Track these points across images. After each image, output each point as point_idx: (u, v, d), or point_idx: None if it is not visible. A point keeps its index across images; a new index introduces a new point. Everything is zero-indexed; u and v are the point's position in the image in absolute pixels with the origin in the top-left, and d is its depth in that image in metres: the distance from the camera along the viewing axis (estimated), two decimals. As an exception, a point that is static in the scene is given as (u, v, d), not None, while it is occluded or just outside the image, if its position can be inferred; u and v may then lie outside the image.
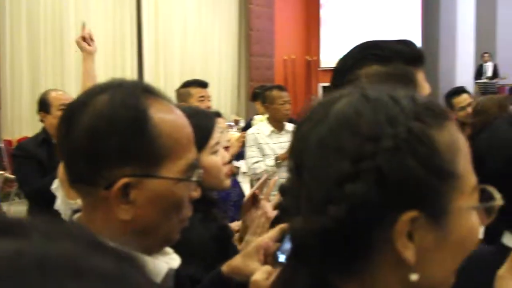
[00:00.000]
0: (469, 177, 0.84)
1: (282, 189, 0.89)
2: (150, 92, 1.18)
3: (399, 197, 0.77)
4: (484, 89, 14.57)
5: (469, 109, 5.06)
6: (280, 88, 5.48)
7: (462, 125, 4.35)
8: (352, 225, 0.77)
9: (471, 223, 0.83)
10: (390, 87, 0.86)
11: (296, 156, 0.86)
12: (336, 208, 0.77)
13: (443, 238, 0.81)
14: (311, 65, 16.90)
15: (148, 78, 11.31)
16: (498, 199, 0.87)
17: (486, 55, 15.27)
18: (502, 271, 1.03)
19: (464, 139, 0.86)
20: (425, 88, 1.45)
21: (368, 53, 1.44)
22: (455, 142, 0.82)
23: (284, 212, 0.87)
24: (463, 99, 5.13)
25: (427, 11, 16.37)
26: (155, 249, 1.20)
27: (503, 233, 1.33)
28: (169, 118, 1.16)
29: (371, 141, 0.77)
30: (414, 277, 0.80)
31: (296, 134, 0.88)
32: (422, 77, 1.45)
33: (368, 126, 0.78)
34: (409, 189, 0.77)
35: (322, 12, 17.14)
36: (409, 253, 0.78)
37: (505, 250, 1.28)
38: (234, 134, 7.21)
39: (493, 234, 1.36)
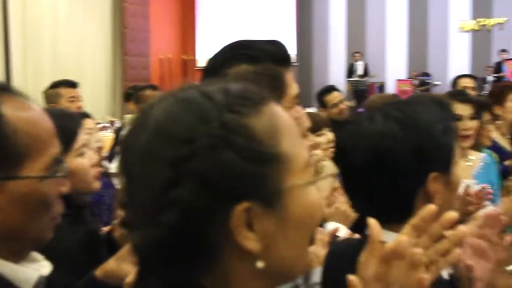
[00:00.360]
0: (299, 154, 0.84)
1: (121, 204, 0.87)
2: (2, 89, 1.12)
3: (224, 192, 0.77)
4: (355, 87, 15.15)
5: (342, 106, 5.25)
6: (153, 87, 5.45)
7: (334, 122, 4.49)
8: (187, 229, 0.77)
9: (309, 199, 0.84)
10: (204, 84, 0.86)
11: (124, 168, 0.85)
12: (167, 216, 0.77)
13: (283, 220, 0.81)
14: (188, 64, 16.88)
15: (16, 80, 10.80)
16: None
17: (357, 54, 15.83)
18: (362, 256, 1.06)
19: (288, 118, 0.86)
20: (293, 88, 1.48)
21: (237, 53, 1.46)
22: (275, 124, 0.82)
23: (125, 227, 0.86)
24: (334, 96, 5.31)
25: (301, 11, 16.77)
26: (27, 252, 1.15)
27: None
28: (24, 115, 1.10)
29: (186, 143, 0.77)
30: (260, 264, 0.81)
31: (122, 146, 0.86)
32: (290, 77, 1.49)
33: (182, 129, 0.78)
34: (232, 182, 0.77)
35: (198, 11, 17.17)
36: (251, 243, 0.79)
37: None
38: (108, 135, 7.06)
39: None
